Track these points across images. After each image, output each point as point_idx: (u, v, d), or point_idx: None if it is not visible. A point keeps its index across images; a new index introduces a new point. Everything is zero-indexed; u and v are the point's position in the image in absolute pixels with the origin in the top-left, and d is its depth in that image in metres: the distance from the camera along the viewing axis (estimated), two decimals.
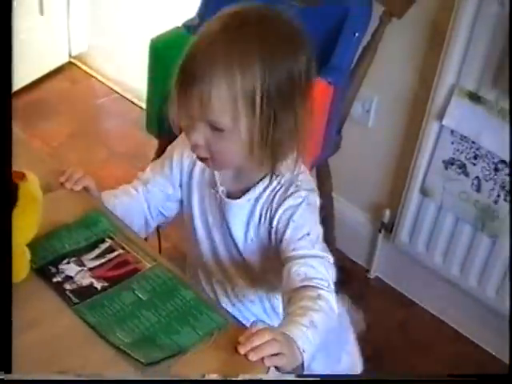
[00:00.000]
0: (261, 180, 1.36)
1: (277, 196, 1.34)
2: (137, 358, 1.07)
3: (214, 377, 1.06)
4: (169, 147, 1.48)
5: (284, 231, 1.32)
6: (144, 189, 1.46)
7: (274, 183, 1.35)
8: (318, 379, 1.19)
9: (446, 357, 2.25)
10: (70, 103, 3.13)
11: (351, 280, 2.41)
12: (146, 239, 1.44)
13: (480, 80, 1.99)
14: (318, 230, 1.33)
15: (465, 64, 2.01)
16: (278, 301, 1.47)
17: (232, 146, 1.26)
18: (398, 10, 2.06)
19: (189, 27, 2.20)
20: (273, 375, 1.12)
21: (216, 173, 1.40)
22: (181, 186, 1.46)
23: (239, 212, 1.38)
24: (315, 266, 1.26)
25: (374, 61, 2.14)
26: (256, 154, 1.27)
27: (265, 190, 1.36)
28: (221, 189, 1.39)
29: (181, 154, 1.44)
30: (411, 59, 2.21)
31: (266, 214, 1.35)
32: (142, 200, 1.46)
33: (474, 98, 2.01)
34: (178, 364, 1.08)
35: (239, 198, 1.37)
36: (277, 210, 1.33)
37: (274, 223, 1.34)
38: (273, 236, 1.35)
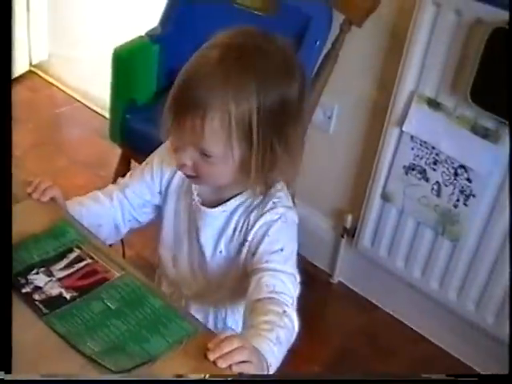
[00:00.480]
0: (239, 194, 1.36)
1: (254, 211, 1.34)
2: (107, 366, 1.07)
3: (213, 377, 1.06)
4: (151, 155, 1.48)
5: (258, 245, 1.32)
6: (120, 194, 1.46)
7: (252, 198, 1.35)
8: (317, 378, 1.20)
9: (409, 360, 2.28)
10: (32, 112, 3.11)
11: (314, 285, 2.44)
12: (110, 245, 1.44)
13: (438, 87, 2.03)
14: (293, 247, 1.33)
15: (424, 71, 2.05)
16: (225, 314, 1.49)
17: (220, 170, 1.28)
18: (358, 19, 2.09)
19: (151, 36, 2.21)
20: None
21: (194, 186, 1.41)
22: (160, 192, 1.46)
23: (212, 222, 1.38)
24: (284, 282, 1.26)
25: (335, 68, 2.17)
26: (250, 180, 1.28)
27: (242, 203, 1.36)
28: (196, 197, 1.40)
29: (161, 161, 1.44)
30: (371, 66, 2.24)
31: (242, 228, 1.36)
32: (116, 206, 1.46)
33: (433, 104, 2.05)
34: (148, 372, 1.09)
35: (215, 207, 1.38)
36: (253, 225, 1.33)
37: (249, 238, 1.34)
38: (244, 250, 1.35)
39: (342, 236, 2.45)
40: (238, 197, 1.36)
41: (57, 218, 1.34)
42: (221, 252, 1.40)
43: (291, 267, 1.30)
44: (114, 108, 2.31)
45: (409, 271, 2.28)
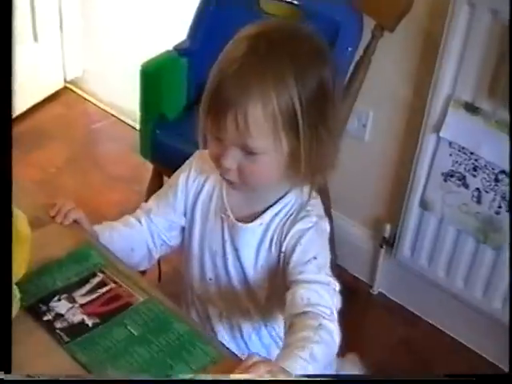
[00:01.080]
0: (271, 205, 1.34)
1: (288, 221, 1.32)
2: None
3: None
4: (174, 174, 1.45)
5: (291, 254, 1.29)
6: (147, 219, 1.43)
7: (286, 208, 1.33)
8: (320, 379, 1.16)
9: (451, 370, 2.22)
10: (66, 128, 3.13)
11: (354, 296, 2.39)
12: (143, 272, 1.42)
13: (476, 90, 1.98)
14: (326, 256, 1.30)
15: (460, 74, 1.99)
16: (276, 329, 1.45)
17: (267, 167, 1.25)
18: (390, 24, 2.04)
19: (179, 50, 2.20)
20: None
21: (225, 198, 1.37)
22: (185, 213, 1.43)
23: (251, 237, 1.35)
24: (320, 292, 1.23)
25: (368, 75, 2.13)
26: (300, 173, 1.26)
27: (277, 214, 1.33)
28: (231, 214, 1.37)
29: (186, 180, 1.41)
30: (405, 71, 2.19)
31: (277, 238, 1.33)
32: (146, 230, 1.43)
33: (471, 108, 1.99)
34: None
35: (249, 222, 1.35)
36: (287, 234, 1.31)
37: (284, 248, 1.32)
38: (281, 260, 1.33)
39: (381, 246, 2.40)
40: (271, 208, 1.34)
41: (80, 242, 1.32)
42: (262, 266, 1.37)
43: (326, 276, 1.27)
44: (143, 124, 2.30)
45: (451, 281, 2.22)
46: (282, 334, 1.39)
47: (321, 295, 1.22)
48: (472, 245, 2.14)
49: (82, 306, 1.20)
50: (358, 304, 2.38)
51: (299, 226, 1.31)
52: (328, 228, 1.35)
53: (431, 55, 2.06)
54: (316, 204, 1.35)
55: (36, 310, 1.18)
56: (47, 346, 1.13)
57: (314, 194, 1.35)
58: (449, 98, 2.03)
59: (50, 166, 2.85)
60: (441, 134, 2.06)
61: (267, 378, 1.04)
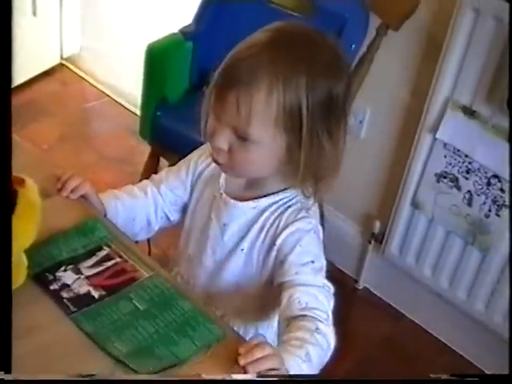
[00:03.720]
0: (273, 193, 1.32)
1: (286, 214, 1.31)
2: (134, 368, 1.06)
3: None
4: (192, 153, 1.45)
5: (288, 254, 1.28)
6: (155, 189, 1.43)
7: (286, 200, 1.32)
8: (318, 379, 1.18)
9: (432, 369, 2.25)
10: (61, 105, 3.12)
11: (339, 290, 2.40)
12: (136, 242, 1.42)
13: (474, 94, 2.00)
14: (323, 261, 1.29)
15: (460, 78, 2.02)
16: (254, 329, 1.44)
17: (256, 157, 1.24)
18: (395, 23, 2.06)
19: (185, 33, 2.20)
20: None
21: (222, 179, 1.37)
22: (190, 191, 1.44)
23: (240, 214, 1.34)
24: (317, 296, 1.22)
25: (369, 72, 2.15)
26: (297, 176, 1.25)
27: (275, 203, 1.32)
28: (221, 188, 1.36)
29: (198, 159, 1.42)
30: (406, 71, 2.21)
31: (270, 229, 1.32)
32: (150, 201, 1.43)
33: (468, 112, 2.02)
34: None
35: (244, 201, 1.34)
36: (284, 229, 1.30)
37: (278, 241, 1.30)
38: (273, 254, 1.31)
39: (370, 242, 2.42)
40: (272, 196, 1.32)
41: (87, 215, 1.33)
42: (242, 250, 1.35)
43: (322, 279, 1.26)
44: (145, 104, 2.30)
45: (436, 280, 2.25)
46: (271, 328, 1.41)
47: (318, 299, 1.22)
48: (459, 246, 2.17)
49: (88, 277, 1.20)
50: (343, 298, 2.39)
51: (299, 225, 1.29)
52: (322, 235, 1.33)
53: (432, 57, 2.08)
54: (315, 210, 1.33)
55: (43, 278, 1.18)
56: (53, 314, 1.14)
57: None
58: (447, 100, 2.06)
59: (43, 143, 2.85)
60: (437, 136, 2.09)
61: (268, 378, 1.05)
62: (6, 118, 1.09)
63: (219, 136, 1.23)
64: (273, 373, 1.07)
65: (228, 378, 1.05)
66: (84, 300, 1.16)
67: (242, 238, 1.35)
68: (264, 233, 1.33)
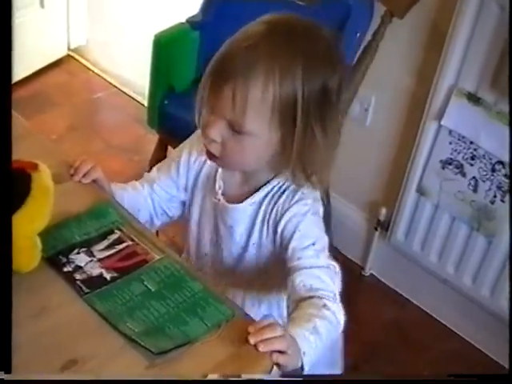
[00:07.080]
0: (265, 184, 1.34)
1: (281, 200, 1.32)
2: (147, 347, 1.09)
3: (214, 377, 1.06)
4: (176, 148, 1.46)
5: (289, 240, 1.30)
6: (149, 188, 1.45)
7: (278, 186, 1.33)
8: (320, 379, 1.20)
9: (438, 355, 2.27)
10: (68, 96, 3.14)
11: (345, 277, 2.42)
12: None
13: (479, 81, 2.01)
14: (324, 240, 1.30)
15: (464, 65, 2.03)
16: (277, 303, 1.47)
17: (250, 150, 1.25)
18: (400, 11, 2.08)
19: (192, 23, 2.22)
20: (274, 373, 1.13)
21: (218, 179, 1.38)
22: (185, 189, 1.44)
23: (243, 215, 1.36)
24: (321, 277, 1.24)
25: (374, 60, 2.16)
26: (288, 168, 1.27)
27: (269, 192, 1.34)
28: (221, 197, 1.38)
29: (188, 156, 1.42)
30: (411, 59, 2.22)
31: (270, 217, 1.34)
32: (148, 198, 1.45)
33: (473, 99, 2.03)
34: (187, 355, 1.09)
35: (242, 202, 1.36)
36: (282, 215, 1.31)
37: (279, 229, 1.32)
38: (277, 241, 1.34)
39: (376, 229, 2.44)
40: (265, 186, 1.34)
41: (98, 199, 1.35)
42: (254, 244, 1.38)
43: (325, 259, 1.28)
44: (152, 93, 2.32)
45: (442, 266, 2.27)
46: (283, 312, 1.43)
47: (322, 280, 1.24)
48: (465, 232, 2.18)
49: (100, 260, 1.23)
50: (349, 284, 2.41)
51: (295, 210, 1.31)
52: (321, 210, 1.34)
53: (437, 44, 2.09)
54: (309, 187, 1.33)
55: (56, 261, 1.21)
56: (67, 295, 1.16)
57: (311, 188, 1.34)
58: (452, 87, 2.07)
59: (51, 133, 2.87)
60: (442, 123, 2.10)
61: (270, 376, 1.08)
62: (6, 110, 1.10)
63: (213, 129, 1.23)
64: (281, 356, 1.09)
65: (229, 379, 1.07)
66: (96, 282, 1.19)
67: (250, 234, 1.38)
68: (266, 224, 1.35)
